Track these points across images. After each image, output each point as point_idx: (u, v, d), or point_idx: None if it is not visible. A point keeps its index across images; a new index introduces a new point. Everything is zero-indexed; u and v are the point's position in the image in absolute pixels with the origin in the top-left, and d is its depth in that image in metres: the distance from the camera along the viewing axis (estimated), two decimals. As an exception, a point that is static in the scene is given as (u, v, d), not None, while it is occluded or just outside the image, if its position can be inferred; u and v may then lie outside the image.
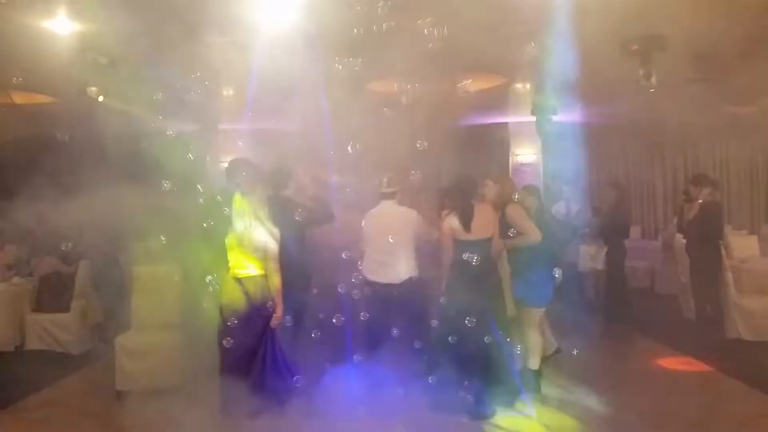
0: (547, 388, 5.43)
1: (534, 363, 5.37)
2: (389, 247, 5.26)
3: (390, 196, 5.47)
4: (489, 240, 5.11)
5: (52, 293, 7.49)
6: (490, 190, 5.36)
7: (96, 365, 6.56)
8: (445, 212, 5.15)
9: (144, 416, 5.00)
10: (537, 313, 5.38)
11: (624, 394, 5.32)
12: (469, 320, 4.75)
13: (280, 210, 5.06)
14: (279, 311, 4.80)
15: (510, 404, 5.04)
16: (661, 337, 7.21)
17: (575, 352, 5.59)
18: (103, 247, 7.89)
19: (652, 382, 5.74)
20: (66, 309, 7.29)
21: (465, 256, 4.94)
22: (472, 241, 5.01)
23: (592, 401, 5.18)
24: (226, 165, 5.48)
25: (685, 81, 8.14)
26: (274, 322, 4.79)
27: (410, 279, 5.32)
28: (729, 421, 4.71)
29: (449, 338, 4.88)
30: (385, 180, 5.44)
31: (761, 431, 4.49)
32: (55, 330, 7.22)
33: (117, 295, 7.32)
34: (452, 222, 5.04)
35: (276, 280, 4.81)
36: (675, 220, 9.99)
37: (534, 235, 5.10)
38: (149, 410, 5.08)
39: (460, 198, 5.11)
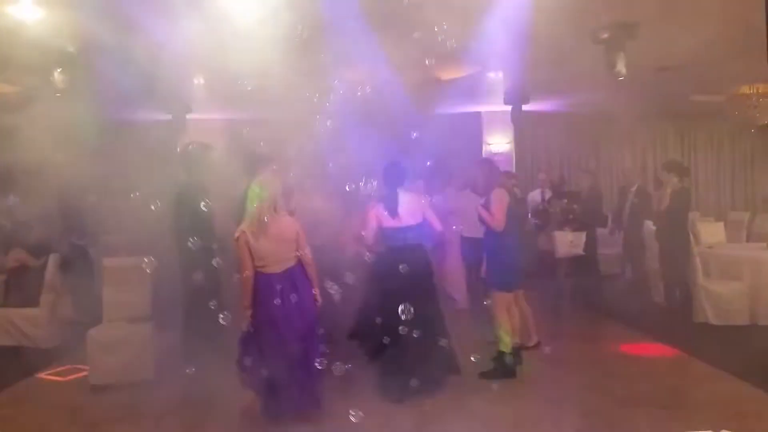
0: (519, 371, 5.50)
1: (505, 345, 5.46)
2: None
3: None
4: (418, 226, 5.17)
5: (21, 287, 7.33)
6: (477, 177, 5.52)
7: (66, 360, 6.43)
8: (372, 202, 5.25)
9: (117, 410, 4.95)
10: (504, 297, 5.48)
11: (595, 377, 5.42)
12: (394, 305, 4.75)
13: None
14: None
15: (434, 388, 5.03)
16: (631, 321, 7.33)
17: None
18: (72, 239, 7.79)
19: (622, 365, 5.84)
20: (35, 303, 7.15)
21: (390, 242, 5.09)
22: (398, 227, 5.11)
23: (563, 384, 5.27)
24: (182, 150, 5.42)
25: (655, 69, 8.24)
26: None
27: None
28: (696, 402, 4.83)
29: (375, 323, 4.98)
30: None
31: (726, 411, 4.59)
32: (24, 325, 7.05)
33: (88, 288, 7.24)
34: (378, 209, 5.14)
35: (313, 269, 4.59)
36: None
37: (498, 223, 5.26)
38: (122, 404, 5.05)
39: (385, 185, 5.23)
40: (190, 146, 5.54)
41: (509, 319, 5.52)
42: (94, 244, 8.06)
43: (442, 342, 5.03)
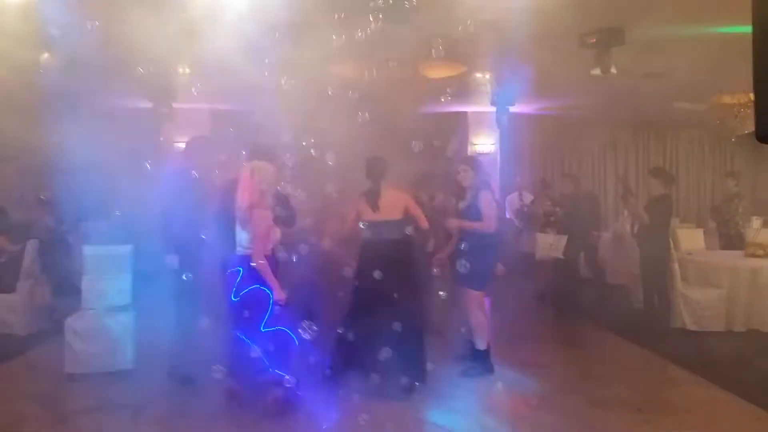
0: (497, 373, 5.54)
1: (481, 344, 5.48)
2: None
3: None
4: (399, 222, 5.15)
5: (-2, 272, 7.23)
6: (465, 176, 5.48)
7: (43, 347, 6.35)
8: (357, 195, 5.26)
9: (93, 399, 4.91)
10: (478, 296, 5.49)
11: (573, 379, 5.47)
12: (377, 300, 4.79)
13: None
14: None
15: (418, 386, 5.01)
16: (610, 325, 7.41)
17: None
18: (52, 226, 7.68)
19: (599, 368, 5.90)
20: (12, 289, 7.05)
21: (371, 234, 5.07)
22: (379, 221, 5.10)
23: (540, 386, 5.31)
24: (183, 144, 5.36)
25: (640, 76, 8.31)
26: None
27: None
28: (672, 406, 4.89)
29: (359, 318, 4.93)
30: None
31: (701, 416, 4.67)
32: (1, 310, 6.97)
33: (66, 275, 7.14)
34: (359, 203, 5.15)
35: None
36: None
37: (489, 226, 5.29)
38: (99, 393, 5.01)
39: (368, 179, 5.23)
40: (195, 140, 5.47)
41: (483, 318, 5.54)
42: (74, 230, 7.96)
43: (412, 347, 4.99)
